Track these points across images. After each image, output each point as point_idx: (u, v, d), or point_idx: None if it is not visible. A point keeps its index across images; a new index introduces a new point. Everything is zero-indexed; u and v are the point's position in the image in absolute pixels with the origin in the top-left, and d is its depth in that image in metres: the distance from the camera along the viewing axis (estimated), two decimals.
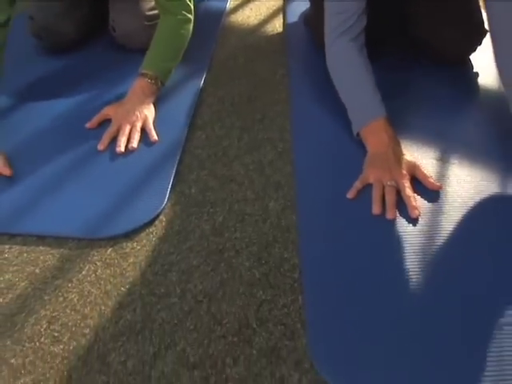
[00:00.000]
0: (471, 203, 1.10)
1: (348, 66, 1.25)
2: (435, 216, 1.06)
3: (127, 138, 1.25)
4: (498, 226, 1.05)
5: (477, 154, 1.22)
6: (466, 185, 1.14)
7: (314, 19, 1.59)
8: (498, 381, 0.81)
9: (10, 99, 1.43)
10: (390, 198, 1.07)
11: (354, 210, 1.10)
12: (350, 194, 1.11)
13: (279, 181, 1.20)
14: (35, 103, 1.42)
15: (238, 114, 1.39)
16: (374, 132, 1.17)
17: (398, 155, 1.12)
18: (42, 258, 1.04)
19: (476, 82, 1.45)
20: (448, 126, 1.30)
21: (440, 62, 1.49)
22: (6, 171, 1.19)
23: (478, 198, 1.11)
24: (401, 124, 1.25)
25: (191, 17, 1.42)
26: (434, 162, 1.21)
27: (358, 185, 1.11)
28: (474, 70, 1.48)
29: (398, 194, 1.08)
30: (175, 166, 1.22)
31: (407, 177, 1.10)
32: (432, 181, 1.11)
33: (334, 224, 1.07)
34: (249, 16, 1.83)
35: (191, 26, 1.42)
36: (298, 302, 0.96)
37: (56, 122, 1.36)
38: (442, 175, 1.17)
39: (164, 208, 1.14)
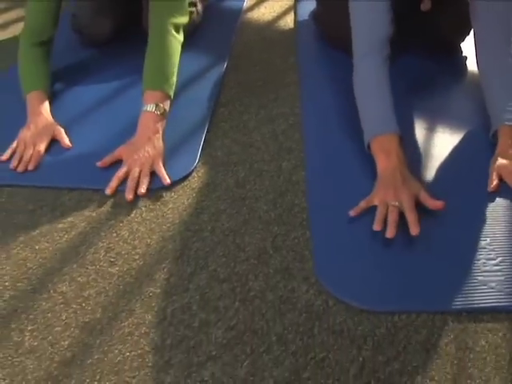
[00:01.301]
0: (451, 156, 1.32)
1: (372, 84, 1.33)
2: (424, 163, 1.28)
3: (137, 182, 1.28)
4: (470, 166, 1.27)
5: (458, 124, 1.44)
6: (449, 146, 1.36)
7: (320, 16, 1.82)
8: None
9: (58, 84, 1.67)
10: (392, 217, 1.12)
11: (354, 168, 1.32)
12: (353, 213, 1.18)
13: (291, 146, 1.43)
14: (78, 87, 1.66)
15: (255, 95, 1.62)
16: (385, 151, 1.23)
17: (405, 177, 1.18)
18: (97, 204, 1.27)
19: (464, 66, 1.66)
20: (438, 103, 1.52)
21: (438, 49, 1.69)
22: (67, 144, 1.41)
23: (455, 154, 1.33)
24: (400, 102, 1.43)
25: (185, 19, 1.53)
26: (424, 130, 1.43)
27: (362, 205, 1.18)
28: (464, 55, 1.70)
29: (402, 215, 1.14)
30: (204, 134, 1.45)
31: (411, 197, 1.15)
32: (435, 200, 1.16)
33: (336, 177, 1.29)
34: (263, 13, 2.06)
35: (182, 29, 1.51)
36: (306, 235, 1.19)
37: (96, 100, 1.59)
38: (429, 140, 1.39)
39: (196, 167, 1.37)
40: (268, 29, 1.96)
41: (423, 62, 1.70)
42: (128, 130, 1.40)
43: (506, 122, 1.27)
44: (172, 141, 1.41)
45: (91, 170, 1.33)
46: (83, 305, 1.06)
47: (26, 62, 1.52)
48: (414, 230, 1.11)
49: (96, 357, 0.97)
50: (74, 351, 0.98)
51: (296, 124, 1.50)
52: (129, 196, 1.26)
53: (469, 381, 0.91)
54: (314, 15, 1.90)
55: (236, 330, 1.01)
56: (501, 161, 1.24)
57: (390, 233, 1.11)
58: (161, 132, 1.36)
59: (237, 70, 1.73)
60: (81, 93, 1.63)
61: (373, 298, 1.04)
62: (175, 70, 1.44)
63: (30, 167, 1.34)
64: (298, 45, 1.82)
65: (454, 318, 1.01)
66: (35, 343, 1.00)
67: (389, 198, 1.16)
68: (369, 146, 1.28)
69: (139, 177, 1.29)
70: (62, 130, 1.42)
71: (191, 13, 1.81)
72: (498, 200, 1.21)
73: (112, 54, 1.80)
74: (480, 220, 1.17)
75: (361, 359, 0.95)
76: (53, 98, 1.57)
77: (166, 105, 1.40)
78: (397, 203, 1.14)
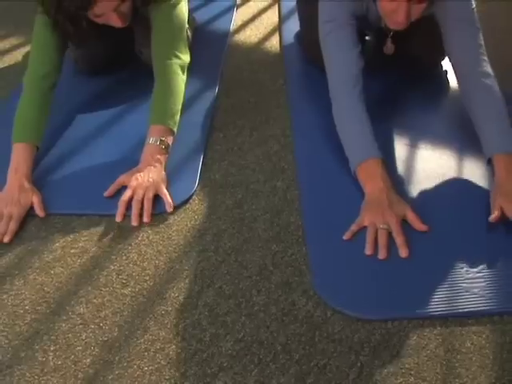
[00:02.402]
0: (434, 174, 1.42)
1: (350, 116, 1.41)
2: (407, 183, 1.39)
3: (141, 206, 1.35)
4: (454, 188, 1.38)
5: (440, 140, 1.55)
6: (429, 163, 1.47)
7: (305, 37, 1.92)
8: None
9: (59, 112, 1.73)
10: (382, 240, 1.21)
11: (345, 185, 1.41)
12: (346, 236, 1.25)
13: (283, 166, 1.53)
14: (78, 114, 1.74)
15: (247, 117, 1.72)
16: (370, 175, 1.32)
17: (391, 200, 1.27)
18: (105, 229, 1.36)
19: (445, 79, 1.77)
20: (420, 118, 1.63)
21: (420, 67, 1.80)
22: (41, 213, 1.38)
23: (439, 171, 1.43)
24: (382, 118, 1.54)
25: (188, 59, 1.59)
26: (406, 146, 1.54)
27: (353, 228, 1.26)
28: (444, 69, 1.82)
29: (390, 236, 1.23)
30: (201, 158, 1.55)
31: (398, 219, 1.23)
32: (420, 223, 1.25)
33: (328, 193, 1.39)
34: (250, 35, 2.16)
35: (186, 69, 1.58)
36: (302, 251, 1.28)
37: (98, 126, 1.68)
38: (411, 156, 1.50)
39: (196, 190, 1.46)
40: (255, 51, 2.06)
41: (403, 77, 1.80)
42: (132, 156, 1.48)
43: (498, 151, 1.32)
44: (171, 165, 1.50)
45: (97, 196, 1.42)
46: (101, 324, 1.15)
47: (25, 107, 1.51)
48: (403, 252, 1.21)
49: (117, 372, 1.06)
50: (96, 368, 1.07)
51: (288, 145, 1.60)
52: (134, 223, 1.33)
53: (457, 380, 1.01)
54: (298, 37, 2.00)
55: (244, 341, 1.10)
56: (500, 192, 1.27)
57: (382, 255, 1.20)
58: (163, 164, 1.43)
59: (228, 94, 1.83)
60: (81, 120, 1.71)
61: (367, 307, 1.13)
62: (179, 107, 1.51)
63: (6, 240, 1.33)
64: (285, 66, 1.92)
65: (442, 322, 1.11)
66: (59, 362, 1.08)
67: (377, 221, 1.24)
68: (355, 173, 1.37)
69: (143, 200, 1.36)
70: (40, 198, 1.41)
71: None
72: (478, 211, 1.31)
73: (109, 81, 1.88)
74: (462, 231, 1.27)
75: (359, 364, 1.05)
76: (46, 140, 1.58)
77: (170, 140, 1.47)
78: (385, 226, 1.23)
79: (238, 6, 2.38)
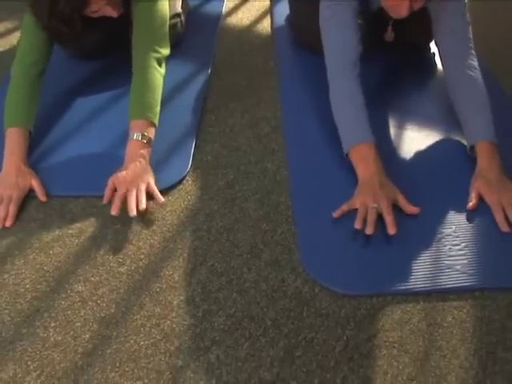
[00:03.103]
0: (420, 155, 1.47)
1: (346, 100, 1.44)
2: (396, 164, 1.43)
3: (136, 201, 1.34)
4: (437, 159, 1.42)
5: (430, 124, 1.59)
6: (416, 142, 1.52)
7: (294, 21, 1.95)
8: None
9: (52, 96, 1.76)
10: (371, 217, 1.25)
11: (334, 166, 1.46)
12: (336, 214, 1.30)
13: (274, 148, 1.57)
14: (71, 99, 1.77)
15: (239, 99, 1.75)
16: (363, 159, 1.36)
17: (382, 183, 1.30)
18: (101, 210, 1.40)
19: (433, 62, 1.81)
20: (410, 102, 1.67)
21: (412, 50, 1.84)
22: (43, 197, 1.42)
23: (426, 153, 1.48)
24: (373, 100, 1.54)
25: (167, 51, 1.61)
26: (398, 132, 1.58)
27: (344, 208, 1.31)
28: (432, 52, 1.85)
29: (380, 216, 1.27)
30: (194, 140, 1.58)
31: (388, 201, 1.27)
32: (411, 206, 1.30)
33: (317, 174, 1.44)
34: (241, 18, 2.19)
35: (164, 62, 1.59)
36: (291, 230, 1.33)
37: (88, 110, 1.71)
38: (399, 136, 1.55)
39: (189, 171, 1.50)
40: (247, 34, 2.09)
41: (392, 60, 1.84)
42: (123, 138, 1.50)
43: (482, 139, 1.37)
44: (164, 148, 1.54)
45: (93, 177, 1.46)
46: (98, 302, 1.20)
47: (15, 94, 1.54)
48: (392, 229, 1.24)
49: (114, 347, 1.11)
50: (95, 343, 1.12)
51: (278, 127, 1.64)
52: (132, 212, 1.32)
53: (438, 352, 1.07)
54: (289, 20, 2.03)
55: (235, 317, 1.15)
56: (481, 180, 1.33)
57: (369, 230, 1.24)
58: (147, 158, 1.44)
59: (220, 76, 1.86)
60: (74, 104, 1.74)
61: (353, 283, 1.19)
62: (159, 100, 1.53)
63: (8, 224, 1.36)
64: (276, 49, 1.95)
65: (425, 298, 1.16)
66: (59, 338, 1.13)
67: (368, 201, 1.28)
68: (347, 156, 1.41)
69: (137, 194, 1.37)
70: (39, 181, 1.44)
71: (175, 24, 1.92)
72: (462, 192, 1.36)
73: (101, 65, 1.90)
74: (446, 211, 1.32)
75: (345, 338, 1.11)
76: (39, 123, 1.60)
77: (151, 133, 1.48)
78: (376, 205, 1.27)
79: None
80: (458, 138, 1.52)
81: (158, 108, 1.53)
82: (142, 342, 1.12)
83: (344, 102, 1.46)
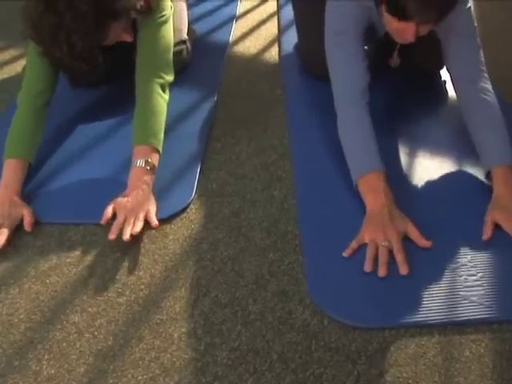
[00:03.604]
0: (433, 184, 1.42)
1: (355, 128, 1.40)
2: (408, 188, 1.38)
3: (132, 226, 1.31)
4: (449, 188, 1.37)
5: (442, 151, 1.54)
6: (428, 170, 1.47)
7: (302, 48, 1.93)
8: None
9: (53, 123, 1.72)
10: (383, 258, 1.19)
11: (343, 194, 1.41)
12: (346, 254, 1.23)
13: (281, 175, 1.52)
14: (73, 125, 1.73)
15: (246, 127, 1.72)
16: (372, 189, 1.30)
17: (392, 215, 1.25)
18: (101, 238, 1.35)
19: (444, 90, 1.77)
20: (419, 128, 1.63)
21: (420, 76, 1.80)
22: (28, 228, 1.36)
23: (438, 181, 1.43)
24: (382, 126, 1.50)
25: (171, 78, 1.59)
26: (408, 159, 1.53)
27: (353, 245, 1.24)
28: (443, 79, 1.81)
29: (391, 252, 1.21)
30: (199, 167, 1.54)
31: (399, 236, 1.21)
32: (423, 239, 1.23)
33: (325, 203, 1.38)
34: (249, 46, 2.17)
35: (167, 88, 1.57)
36: (299, 260, 1.27)
37: (91, 137, 1.68)
38: (409, 164, 1.50)
39: (192, 199, 1.45)
40: (254, 62, 2.06)
41: (402, 86, 1.80)
42: (126, 165, 1.46)
43: (499, 164, 1.32)
44: (168, 175, 1.50)
45: (94, 205, 1.41)
46: (95, 333, 1.14)
47: (19, 124, 1.51)
48: (403, 270, 1.18)
49: (111, 381, 1.05)
50: (90, 377, 1.06)
51: (285, 154, 1.59)
52: (125, 236, 1.28)
53: None
54: (297, 48, 2.01)
55: (239, 350, 1.09)
56: (498, 209, 1.27)
57: (382, 272, 1.18)
58: (150, 185, 1.40)
59: (227, 104, 1.82)
60: (77, 131, 1.71)
61: (364, 315, 1.12)
62: (162, 127, 1.50)
63: None
64: (284, 77, 1.92)
65: (440, 331, 1.10)
66: (52, 371, 1.07)
67: (378, 238, 1.22)
68: (356, 186, 1.35)
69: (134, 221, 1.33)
70: (30, 212, 1.39)
71: (181, 51, 1.90)
72: (476, 221, 1.30)
73: (105, 93, 1.87)
74: (460, 240, 1.26)
75: (356, 373, 1.04)
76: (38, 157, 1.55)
77: (155, 159, 1.44)
78: (386, 243, 1.21)
79: (238, 18, 2.38)
80: (470, 164, 1.47)
81: (162, 134, 1.49)
82: (140, 377, 1.05)
83: (352, 131, 1.42)
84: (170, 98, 1.58)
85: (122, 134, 1.67)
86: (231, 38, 2.21)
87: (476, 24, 1.47)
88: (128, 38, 1.54)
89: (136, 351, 1.10)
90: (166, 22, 1.64)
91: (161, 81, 1.56)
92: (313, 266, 1.23)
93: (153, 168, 1.43)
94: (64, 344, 1.12)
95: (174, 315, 1.17)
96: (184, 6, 2.02)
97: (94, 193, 1.46)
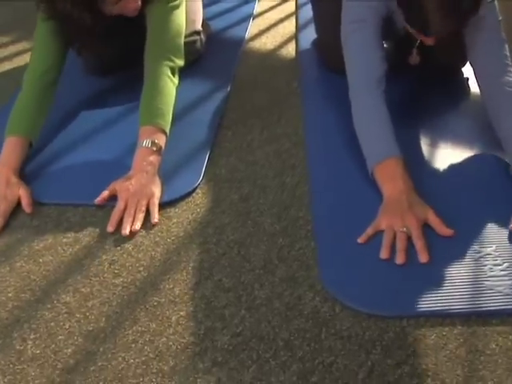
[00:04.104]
0: (453, 168, 1.34)
1: (371, 115, 1.33)
2: (428, 175, 1.28)
3: (133, 218, 1.24)
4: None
5: (463, 144, 1.45)
6: (450, 159, 1.38)
7: (321, 42, 1.85)
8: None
9: (59, 109, 1.64)
10: (401, 244, 1.10)
11: (358, 181, 1.32)
12: (361, 240, 1.14)
13: (294, 163, 1.44)
14: (79, 111, 1.67)
15: (259, 116, 1.64)
16: (389, 176, 1.22)
17: (411, 201, 1.16)
18: (101, 220, 1.27)
19: (467, 86, 1.68)
20: (441, 121, 1.54)
21: (442, 74, 1.72)
22: (28, 209, 1.29)
23: (458, 166, 1.34)
24: (403, 122, 1.42)
25: (182, 62, 1.51)
26: (428, 147, 1.44)
27: (369, 231, 1.15)
28: (465, 76, 1.72)
29: (410, 240, 1.12)
30: (208, 153, 1.46)
31: (419, 223, 1.13)
32: (444, 227, 1.14)
33: (339, 189, 1.30)
34: (265, 43, 2.10)
35: (177, 72, 1.50)
36: (310, 245, 1.18)
37: (96, 123, 1.61)
38: (431, 154, 1.40)
39: (199, 183, 1.37)
40: (270, 57, 1.99)
41: (424, 82, 1.71)
42: (131, 149, 1.39)
43: None
44: (175, 159, 1.42)
45: (95, 187, 1.33)
46: (87, 314, 1.05)
47: (22, 102, 1.45)
48: (423, 257, 1.09)
49: (99, 364, 0.96)
50: (77, 358, 0.97)
51: (299, 143, 1.51)
52: (125, 231, 1.21)
53: (480, 383, 0.89)
54: (316, 43, 1.94)
55: (242, 336, 1.00)
56: None
57: (400, 259, 1.09)
58: (156, 167, 1.33)
59: (240, 95, 1.75)
60: (83, 117, 1.64)
61: (380, 303, 1.03)
62: (170, 109, 1.42)
63: None
64: (301, 70, 1.85)
65: (463, 321, 0.99)
66: (37, 351, 0.98)
67: (396, 224, 1.13)
68: (372, 174, 1.27)
69: (135, 212, 1.26)
70: (27, 193, 1.32)
71: (195, 41, 1.84)
72: (502, 209, 1.20)
73: (115, 79, 1.81)
74: (484, 230, 1.17)
75: (369, 363, 0.94)
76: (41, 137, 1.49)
77: (162, 141, 1.36)
78: (404, 229, 1.12)
79: (255, 17, 2.32)
80: (495, 155, 1.37)
81: (170, 116, 1.42)
82: (132, 360, 0.96)
83: (367, 118, 1.34)
84: (179, 84, 1.51)
85: (130, 120, 1.60)
86: (247, 35, 2.15)
87: (500, 18, 1.40)
88: (132, 9, 1.45)
89: (129, 333, 1.01)
90: (177, 6, 1.58)
91: (171, 64, 1.49)
92: (325, 252, 1.14)
93: (159, 149, 1.35)
94: (52, 324, 1.04)
95: (173, 298, 1.08)
96: None
97: (96, 174, 1.39)
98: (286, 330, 1.00)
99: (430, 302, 1.01)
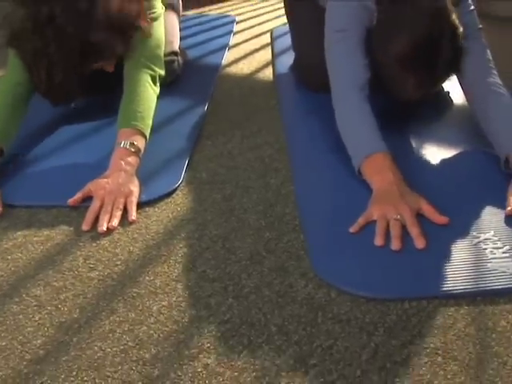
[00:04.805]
0: (443, 162, 1.30)
1: (355, 113, 1.30)
2: (418, 169, 1.24)
3: (110, 216, 1.16)
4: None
5: (448, 143, 1.43)
6: (439, 156, 1.36)
7: (301, 66, 1.83)
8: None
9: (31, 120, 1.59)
10: (395, 230, 1.05)
11: (342, 179, 1.27)
12: (353, 229, 1.08)
13: (277, 166, 1.38)
14: (52, 123, 1.60)
15: (238, 128, 1.59)
16: (378, 169, 1.18)
17: (403, 191, 1.12)
18: (75, 220, 1.18)
19: (448, 100, 1.67)
20: (426, 128, 1.52)
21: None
22: None
23: (447, 162, 1.30)
24: (391, 128, 1.38)
25: (162, 72, 1.49)
26: (415, 149, 1.40)
27: (360, 221, 1.10)
28: (446, 90, 1.71)
29: (404, 228, 1.07)
30: (187, 160, 1.39)
31: (412, 211, 1.08)
32: (438, 215, 1.10)
33: (326, 187, 1.25)
34: (242, 68, 2.08)
35: (158, 81, 1.47)
36: (299, 238, 1.11)
37: (70, 133, 1.54)
38: (420, 155, 1.37)
39: (179, 186, 1.30)
40: (247, 79, 1.97)
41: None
42: (108, 154, 1.31)
43: None
44: (153, 165, 1.35)
45: (68, 188, 1.25)
46: (59, 306, 0.95)
47: None
48: (420, 243, 1.04)
49: (72, 353, 0.86)
50: (48, 349, 0.87)
51: (282, 149, 1.46)
52: (101, 228, 1.13)
53: (495, 358, 0.82)
54: (294, 67, 1.92)
55: (231, 323, 0.91)
56: None
57: (396, 245, 1.03)
58: (134, 168, 1.26)
59: (218, 111, 1.71)
60: (59, 126, 1.59)
61: (379, 286, 0.96)
62: (151, 113, 1.37)
63: None
64: (279, 90, 1.82)
65: (469, 302, 0.93)
66: (3, 343, 0.88)
67: (389, 212, 1.08)
68: (360, 171, 1.22)
69: (112, 209, 1.18)
70: None
71: (173, 61, 1.81)
72: (495, 196, 1.16)
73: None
74: (480, 217, 1.12)
75: (373, 344, 0.86)
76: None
77: (141, 143, 1.30)
78: (398, 217, 1.07)
79: (230, 48, 2.32)
80: (484, 150, 1.34)
81: (150, 121, 1.37)
82: (109, 349, 0.86)
83: (353, 117, 1.31)
84: (159, 93, 1.47)
85: (106, 131, 1.54)
86: (224, 62, 2.13)
87: (481, 26, 1.41)
88: (109, 69, 1.46)
89: (106, 324, 0.92)
90: (156, 19, 1.57)
91: (151, 72, 1.47)
92: (315, 242, 1.08)
93: (138, 151, 1.29)
94: (20, 316, 0.94)
95: (154, 289, 0.99)
96: (176, 19, 1.96)
97: (69, 176, 1.32)
98: (278, 316, 0.92)
99: (431, 285, 0.95)
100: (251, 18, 2.77)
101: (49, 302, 0.96)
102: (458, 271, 0.97)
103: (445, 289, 0.93)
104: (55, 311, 0.94)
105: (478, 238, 1.06)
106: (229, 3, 3.01)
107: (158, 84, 1.48)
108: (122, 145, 1.28)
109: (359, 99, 1.32)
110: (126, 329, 0.90)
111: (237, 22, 2.63)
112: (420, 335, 0.87)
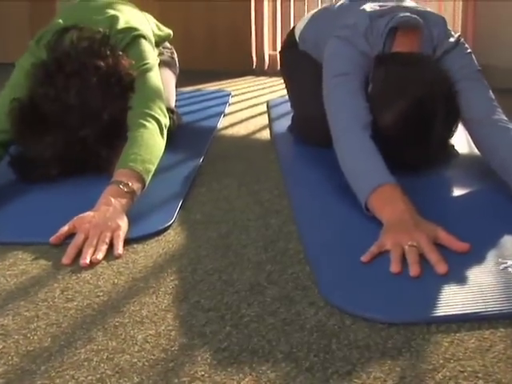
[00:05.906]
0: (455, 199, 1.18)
1: (361, 149, 1.23)
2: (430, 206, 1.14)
3: (94, 250, 1.05)
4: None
5: (458, 183, 1.36)
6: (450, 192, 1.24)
7: (301, 121, 1.77)
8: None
9: None
10: (412, 257, 0.95)
11: (347, 217, 1.17)
12: (365, 258, 0.98)
13: (278, 209, 1.28)
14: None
15: (235, 178, 1.50)
16: (387, 200, 1.10)
17: (417, 220, 1.03)
18: (54, 256, 1.06)
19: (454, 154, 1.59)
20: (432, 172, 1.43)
21: None
22: None
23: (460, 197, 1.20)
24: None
25: (165, 120, 1.43)
26: (423, 189, 1.30)
27: (373, 250, 1.00)
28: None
29: (421, 256, 0.96)
30: (180, 201, 1.29)
31: (428, 238, 0.98)
32: (458, 242, 1.00)
33: (330, 225, 1.16)
34: (238, 131, 2.03)
35: (165, 131, 1.41)
36: (305, 270, 1.00)
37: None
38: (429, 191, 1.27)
39: (171, 225, 1.19)
40: (244, 140, 1.91)
41: None
42: (94, 196, 1.20)
43: None
44: (144, 206, 1.24)
45: (48, 225, 1.14)
46: (28, 335, 0.82)
47: None
48: (441, 268, 0.93)
49: (39, 382, 0.72)
50: (9, 377, 0.73)
51: (281, 195, 1.36)
52: (84, 261, 1.01)
53: None
54: (292, 126, 1.87)
55: (229, 351, 0.78)
56: None
57: (414, 272, 0.93)
58: (125, 208, 1.15)
59: (213, 163, 1.63)
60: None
61: (401, 310, 0.83)
62: (154, 160, 1.28)
63: None
64: (277, 147, 1.76)
65: (507, 325, 0.80)
66: None
67: (403, 240, 0.98)
68: (367, 207, 1.13)
69: (97, 243, 1.06)
70: None
71: (169, 117, 1.75)
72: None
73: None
74: (502, 244, 1.03)
75: (398, 369, 0.72)
76: None
77: (136, 186, 1.19)
78: (414, 243, 0.97)
79: (225, 115, 2.28)
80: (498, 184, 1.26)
81: (151, 167, 1.26)
82: (83, 378, 0.73)
83: (357, 153, 1.24)
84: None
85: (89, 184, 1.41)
86: (220, 125, 2.08)
87: (479, 68, 1.41)
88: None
89: (81, 352, 0.78)
90: (149, 69, 1.52)
91: (156, 124, 1.38)
92: (323, 271, 0.97)
93: (131, 193, 1.18)
94: None
95: (139, 319, 0.86)
96: (172, 77, 1.93)
97: (51, 213, 1.21)
98: (285, 343, 0.79)
99: (460, 306, 0.82)
100: (246, 92, 2.76)
101: (16, 332, 0.83)
102: (486, 293, 0.85)
103: (476, 310, 0.81)
104: (23, 340, 0.80)
105: (504, 264, 0.94)
106: (224, 81, 3.01)
107: (164, 134, 1.40)
108: (115, 183, 1.18)
109: (363, 136, 1.26)
110: (104, 357, 0.76)
111: (232, 96, 2.61)
112: (454, 359, 0.73)
